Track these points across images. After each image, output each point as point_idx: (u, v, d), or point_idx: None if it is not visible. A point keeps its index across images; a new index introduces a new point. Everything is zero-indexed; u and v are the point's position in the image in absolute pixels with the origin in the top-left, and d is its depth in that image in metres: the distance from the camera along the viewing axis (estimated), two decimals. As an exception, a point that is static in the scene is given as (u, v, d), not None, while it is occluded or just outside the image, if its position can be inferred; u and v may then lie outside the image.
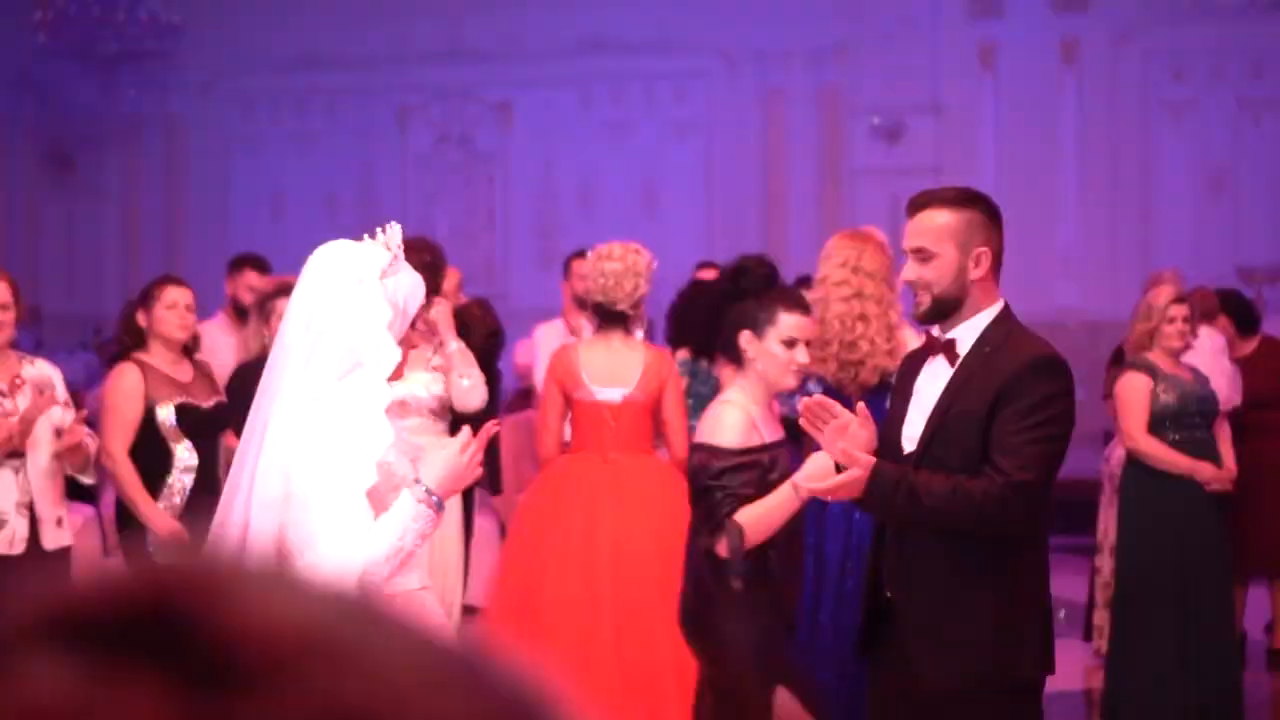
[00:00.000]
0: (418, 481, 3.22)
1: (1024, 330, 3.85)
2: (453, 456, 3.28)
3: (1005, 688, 3.72)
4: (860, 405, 3.74)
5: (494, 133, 15.46)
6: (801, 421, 3.77)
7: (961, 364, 3.73)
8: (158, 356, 5.79)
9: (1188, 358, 6.48)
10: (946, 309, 3.76)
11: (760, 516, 4.20)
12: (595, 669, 5.47)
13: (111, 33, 14.26)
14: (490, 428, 3.39)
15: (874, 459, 3.60)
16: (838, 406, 3.72)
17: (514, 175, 15.43)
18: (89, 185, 16.24)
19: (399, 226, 3.30)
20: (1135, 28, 13.87)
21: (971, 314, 3.76)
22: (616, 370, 5.78)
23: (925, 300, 3.76)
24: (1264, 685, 7.62)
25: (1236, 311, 8.01)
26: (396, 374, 3.25)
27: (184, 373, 5.84)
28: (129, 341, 5.86)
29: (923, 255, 3.74)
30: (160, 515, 5.60)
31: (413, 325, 3.37)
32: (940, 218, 3.76)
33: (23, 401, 5.42)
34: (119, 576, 0.58)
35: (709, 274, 7.63)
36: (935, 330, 3.83)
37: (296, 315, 3.23)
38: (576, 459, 5.85)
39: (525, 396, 9.39)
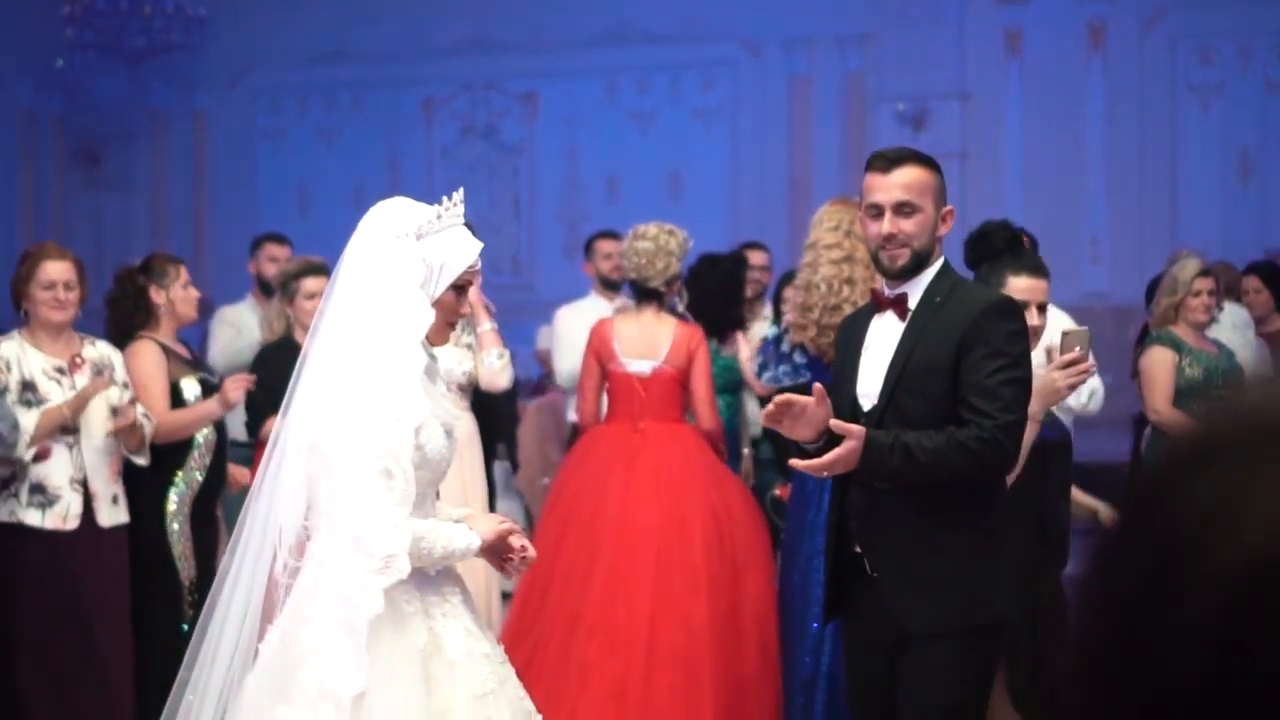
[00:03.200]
0: (470, 527, 3.29)
1: (965, 280, 3.96)
2: (503, 528, 3.34)
3: (978, 627, 3.75)
4: (817, 386, 3.73)
5: (519, 124, 15.49)
6: (765, 421, 3.78)
7: (913, 316, 3.79)
8: (166, 336, 5.81)
9: (1213, 332, 6.45)
10: (922, 263, 3.82)
11: None
12: (581, 628, 5.59)
13: (139, 26, 14.34)
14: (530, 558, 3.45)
15: (864, 429, 3.62)
16: (797, 398, 3.70)
17: (539, 166, 15.46)
18: (117, 180, 16.34)
19: (462, 190, 3.30)
20: (1162, 11, 13.81)
21: (924, 269, 3.83)
22: (647, 343, 6.01)
23: (904, 255, 3.80)
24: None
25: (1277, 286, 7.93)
26: (438, 339, 3.24)
27: (184, 352, 5.88)
28: (140, 320, 5.79)
29: (908, 209, 3.79)
30: (207, 403, 5.66)
31: (460, 291, 3.32)
32: (920, 174, 3.83)
33: (81, 381, 5.45)
34: None
35: (756, 255, 7.71)
36: (884, 288, 3.86)
37: (345, 267, 3.27)
38: (608, 428, 6.09)
39: (548, 381, 9.42)
